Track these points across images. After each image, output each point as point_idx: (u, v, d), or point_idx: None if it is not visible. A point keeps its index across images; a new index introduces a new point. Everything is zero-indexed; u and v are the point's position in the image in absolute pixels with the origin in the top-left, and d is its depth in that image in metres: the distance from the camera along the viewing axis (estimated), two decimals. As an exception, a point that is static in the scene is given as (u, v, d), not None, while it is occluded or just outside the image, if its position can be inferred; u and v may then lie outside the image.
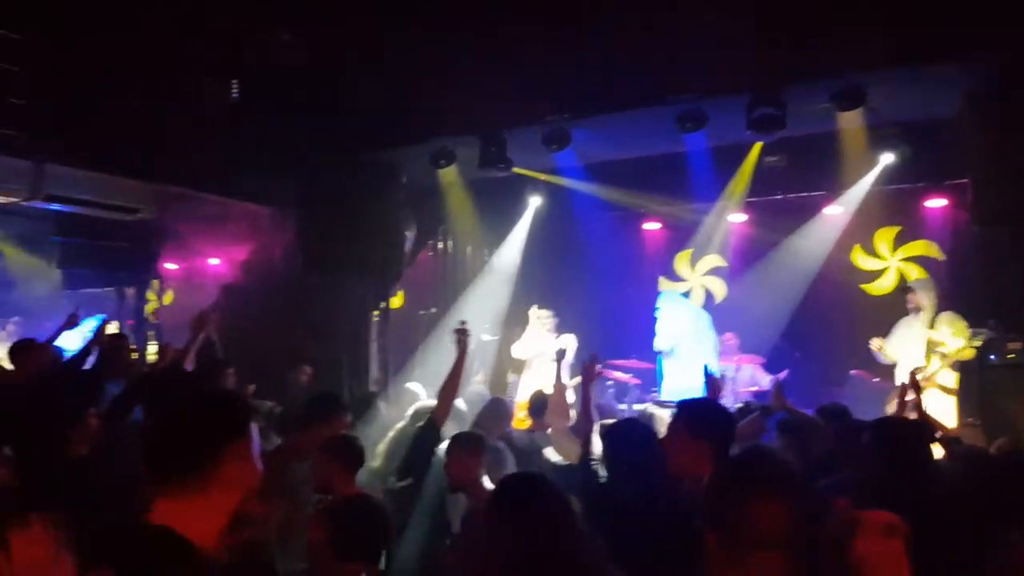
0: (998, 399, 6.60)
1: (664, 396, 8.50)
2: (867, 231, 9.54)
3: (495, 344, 9.89)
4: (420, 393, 6.51)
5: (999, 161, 6.39)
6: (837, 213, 9.07)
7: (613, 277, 9.79)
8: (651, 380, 9.34)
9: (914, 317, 7.92)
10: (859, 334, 8.30)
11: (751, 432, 4.61)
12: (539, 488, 2.46)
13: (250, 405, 2.05)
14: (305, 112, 8.24)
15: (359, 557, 2.84)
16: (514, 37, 7.29)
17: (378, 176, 8.78)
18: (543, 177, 9.44)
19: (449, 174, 8.77)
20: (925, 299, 7.91)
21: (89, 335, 6.73)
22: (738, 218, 9.88)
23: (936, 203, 9.06)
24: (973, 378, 7.07)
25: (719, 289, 10.76)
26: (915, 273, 9.33)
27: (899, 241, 9.64)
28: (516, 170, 8.40)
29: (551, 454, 5.51)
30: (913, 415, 4.99)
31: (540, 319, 8.87)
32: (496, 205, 9.77)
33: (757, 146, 8.27)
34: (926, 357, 7.55)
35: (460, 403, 5.53)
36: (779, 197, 9.13)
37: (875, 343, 7.92)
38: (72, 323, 6.40)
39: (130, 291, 12.05)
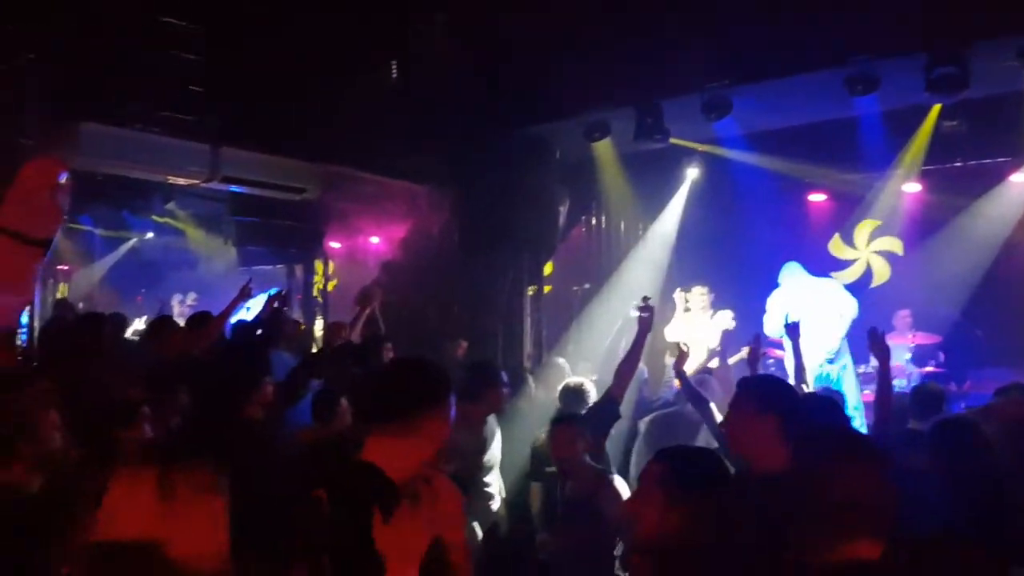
0: None
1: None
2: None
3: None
4: (566, 369, 6.49)
5: None
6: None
7: (774, 251, 9.38)
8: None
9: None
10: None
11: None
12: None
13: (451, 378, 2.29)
14: (461, 90, 8.34)
15: None
16: (671, 3, 7.07)
17: (532, 151, 8.78)
18: (701, 148, 9.15)
19: (603, 147, 8.66)
20: None
21: (261, 307, 7.13)
22: (912, 188, 9.25)
23: None
24: None
25: (884, 267, 10.15)
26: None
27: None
28: (673, 141, 8.18)
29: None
30: None
31: (695, 297, 8.62)
32: (651, 178, 9.56)
33: (935, 109, 7.67)
34: None
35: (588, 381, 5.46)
36: (958, 164, 8.48)
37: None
38: (245, 295, 6.73)
39: (299, 268, 12.66)
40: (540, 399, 5.91)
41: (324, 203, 10.21)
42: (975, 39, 6.16)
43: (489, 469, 4.94)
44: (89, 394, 4.45)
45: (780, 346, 8.92)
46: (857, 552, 1.83)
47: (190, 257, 13.57)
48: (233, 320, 7.20)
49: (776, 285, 8.75)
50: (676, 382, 7.09)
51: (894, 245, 10.31)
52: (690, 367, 6.88)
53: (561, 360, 6.69)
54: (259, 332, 6.71)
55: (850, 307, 8.32)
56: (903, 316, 8.84)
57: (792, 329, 4.99)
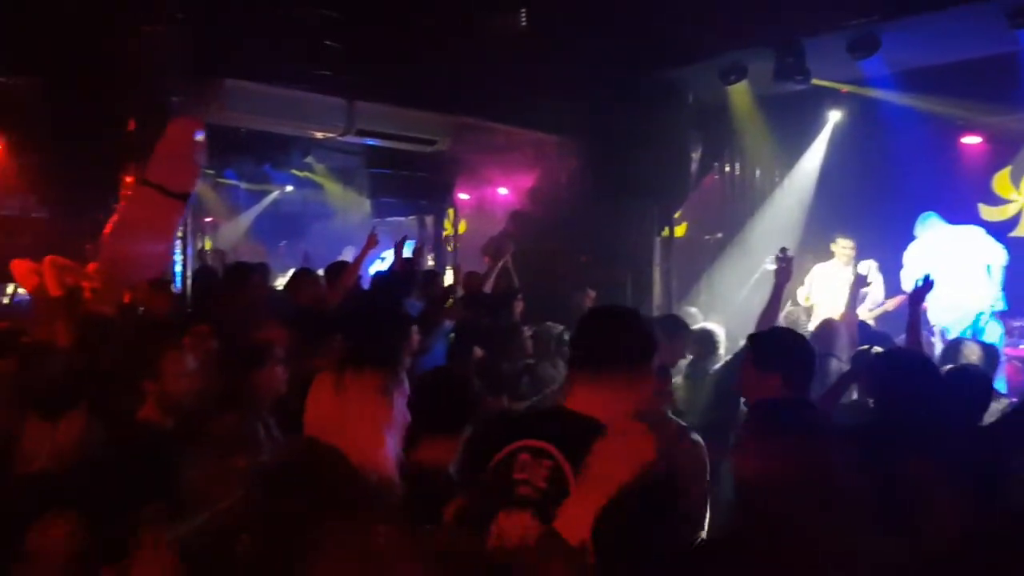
0: None
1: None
2: None
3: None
4: (698, 319, 6.37)
5: None
6: None
7: (923, 199, 8.83)
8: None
9: None
10: None
11: None
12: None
13: None
14: (590, 35, 8.17)
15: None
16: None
17: (664, 96, 8.56)
18: (845, 89, 8.66)
19: (739, 90, 8.33)
20: None
21: (398, 257, 7.32)
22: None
23: None
24: None
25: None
26: None
27: None
28: (815, 82, 7.77)
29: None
30: None
31: (840, 248, 8.22)
32: (789, 123, 9.15)
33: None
34: None
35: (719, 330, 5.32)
36: None
37: None
38: (373, 244, 6.89)
39: (429, 219, 12.89)
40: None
41: (454, 154, 10.31)
42: None
43: None
44: (235, 339, 4.71)
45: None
46: None
47: (327, 209, 14.02)
48: (369, 270, 7.44)
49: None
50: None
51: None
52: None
53: (693, 310, 6.57)
54: (395, 282, 6.91)
55: (998, 255, 7.81)
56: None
57: (920, 289, 4.65)
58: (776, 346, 3.13)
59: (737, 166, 10.41)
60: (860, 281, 6.26)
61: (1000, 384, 5.95)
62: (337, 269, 6.68)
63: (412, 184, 11.67)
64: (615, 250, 9.07)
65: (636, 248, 9.13)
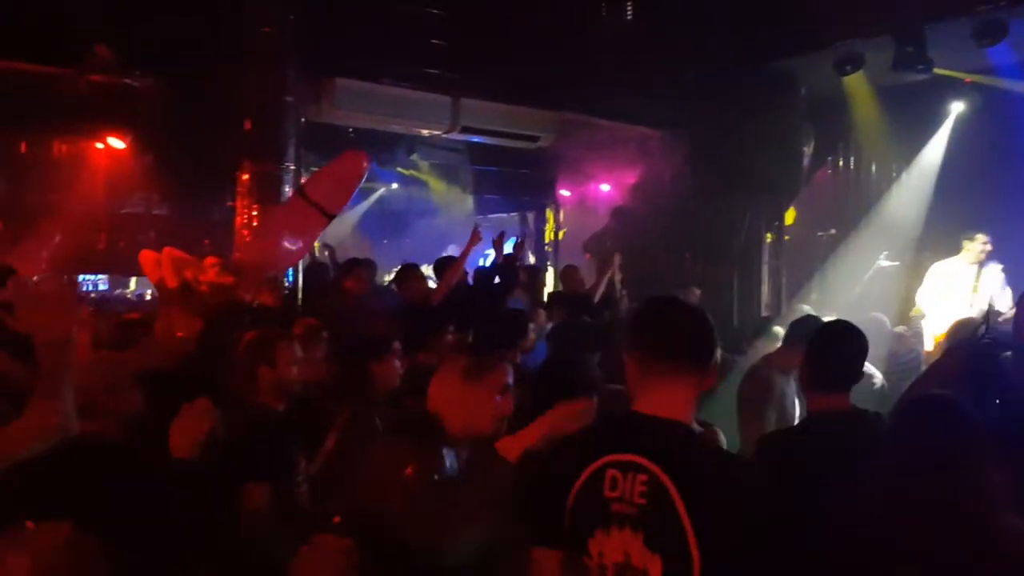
0: None
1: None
2: None
3: (895, 270, 8.95)
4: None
5: None
6: None
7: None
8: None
9: None
10: None
11: None
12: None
13: None
14: (698, 28, 8.01)
15: None
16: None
17: (775, 88, 8.31)
18: (969, 78, 8.23)
19: (855, 81, 8.01)
20: None
21: (498, 253, 7.35)
22: None
23: None
24: None
25: None
26: None
27: None
28: (936, 71, 7.41)
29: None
30: None
31: (976, 245, 7.77)
32: (908, 114, 8.75)
33: None
34: None
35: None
36: None
37: None
38: (476, 240, 6.93)
39: (531, 216, 12.92)
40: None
41: (557, 151, 10.29)
42: None
43: None
44: (346, 330, 4.81)
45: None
46: None
47: (430, 206, 14.21)
48: (472, 267, 7.48)
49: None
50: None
51: None
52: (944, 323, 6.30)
53: (807, 308, 6.34)
54: (497, 279, 6.94)
55: None
56: None
57: None
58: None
59: (852, 160, 10.03)
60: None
61: None
62: (444, 265, 6.74)
63: (514, 181, 11.73)
64: (721, 247, 8.89)
65: (744, 245, 8.91)
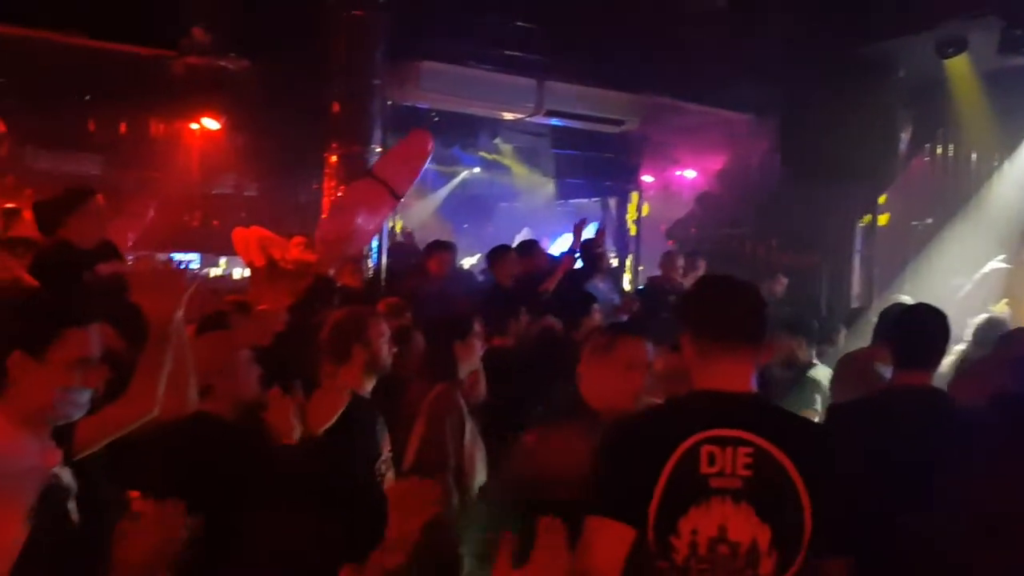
0: None
1: None
2: None
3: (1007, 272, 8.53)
4: (909, 306, 5.92)
5: None
6: None
7: None
8: None
9: None
10: None
11: None
12: None
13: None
14: (791, 9, 7.78)
15: None
16: None
17: (871, 72, 8.00)
18: (1082, 62, 7.78)
19: (957, 65, 7.64)
20: None
21: (576, 239, 7.29)
22: None
23: None
24: None
25: None
26: None
27: None
28: (1048, 55, 7.04)
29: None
30: None
31: None
32: (1013, 101, 8.32)
33: None
34: None
35: None
36: None
37: None
38: (580, 230, 6.90)
39: (612, 201, 12.80)
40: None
41: (641, 135, 10.17)
42: None
43: None
44: (430, 311, 4.85)
45: None
46: None
47: (512, 191, 14.22)
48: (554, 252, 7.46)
49: None
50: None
51: None
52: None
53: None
54: (578, 264, 6.90)
55: None
56: None
57: None
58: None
59: (951, 148, 9.61)
60: None
61: None
62: (527, 247, 6.75)
63: (597, 165, 11.64)
64: (810, 235, 8.65)
65: (834, 233, 8.66)
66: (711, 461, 1.88)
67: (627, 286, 10.92)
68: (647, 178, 12.47)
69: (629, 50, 8.30)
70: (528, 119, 8.99)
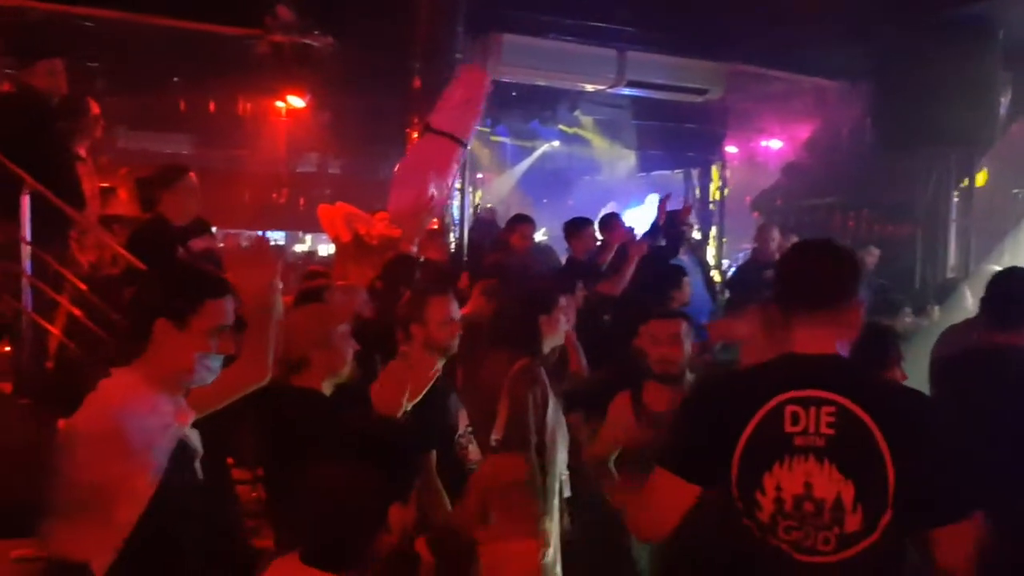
0: None
1: None
2: None
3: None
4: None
5: None
6: None
7: None
8: None
9: None
10: None
11: None
12: None
13: None
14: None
15: None
16: None
17: (968, 34, 7.63)
18: None
19: (1062, 24, 7.24)
20: None
21: (660, 215, 7.19)
22: None
23: None
24: None
25: None
26: None
27: None
28: None
29: None
30: None
31: None
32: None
33: None
34: None
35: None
36: None
37: None
38: (663, 206, 6.79)
39: (695, 172, 12.58)
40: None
41: (725, 104, 9.94)
42: None
43: None
44: (513, 284, 4.86)
45: None
46: None
47: (592, 164, 14.10)
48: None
49: None
50: None
51: None
52: None
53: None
54: (663, 238, 6.80)
55: None
56: None
57: None
58: None
59: (1058, 111, 9.13)
60: None
61: None
62: (608, 222, 6.67)
63: (679, 136, 11.44)
64: (904, 204, 8.36)
65: (929, 202, 8.35)
66: (795, 420, 1.93)
67: (711, 259, 10.75)
68: (731, 149, 12.21)
69: (712, 17, 8.09)
70: (609, 90, 8.86)
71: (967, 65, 7.64)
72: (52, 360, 4.77)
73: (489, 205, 12.32)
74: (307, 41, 7.33)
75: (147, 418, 2.03)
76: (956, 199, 8.48)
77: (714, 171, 12.54)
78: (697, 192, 12.45)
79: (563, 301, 3.82)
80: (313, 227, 10.65)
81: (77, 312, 4.69)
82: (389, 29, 7.34)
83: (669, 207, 6.89)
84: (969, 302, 5.46)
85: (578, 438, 3.70)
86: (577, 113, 10.99)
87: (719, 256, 11.64)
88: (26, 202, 4.44)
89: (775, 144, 11.45)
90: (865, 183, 8.75)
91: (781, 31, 7.99)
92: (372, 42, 7.63)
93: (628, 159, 12.83)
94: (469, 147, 6.62)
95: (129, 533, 1.96)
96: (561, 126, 11.82)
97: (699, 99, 9.44)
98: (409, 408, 2.94)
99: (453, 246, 7.73)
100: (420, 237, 5.98)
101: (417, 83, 7.27)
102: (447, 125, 5.90)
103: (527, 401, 3.35)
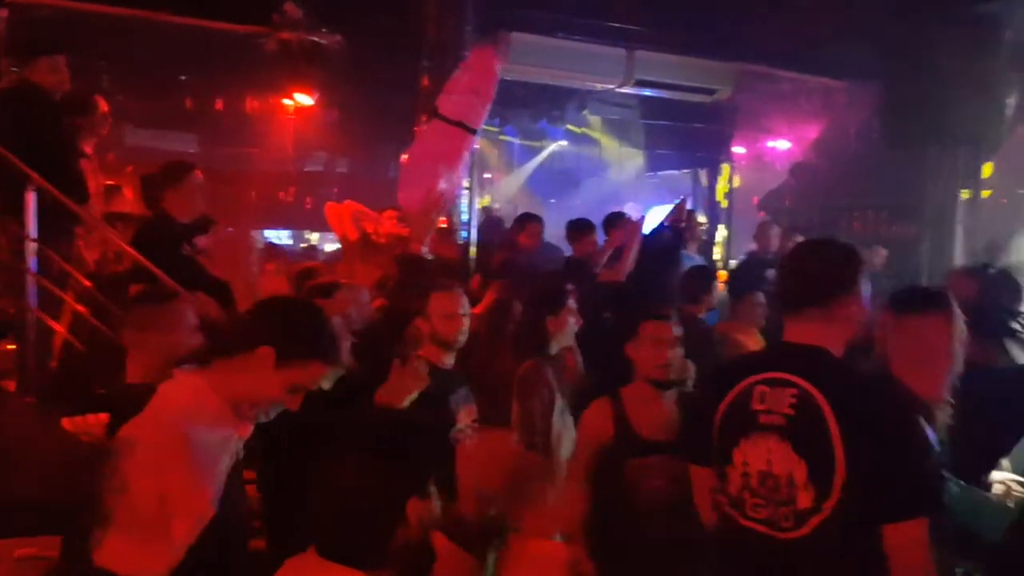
0: None
1: None
2: None
3: None
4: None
5: None
6: None
7: None
8: None
9: None
10: None
11: None
12: None
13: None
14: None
15: None
16: None
17: (975, 32, 7.62)
18: None
19: (1070, 25, 7.21)
20: None
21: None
22: None
23: None
24: None
25: None
26: None
27: None
28: None
29: None
30: None
31: None
32: None
33: None
34: None
35: None
36: None
37: None
38: (681, 208, 6.75)
39: (703, 172, 12.54)
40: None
41: (733, 104, 9.91)
42: None
43: None
44: (521, 284, 4.84)
45: None
46: None
47: (600, 164, 14.08)
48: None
49: None
50: None
51: None
52: None
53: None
54: (671, 235, 6.77)
55: None
56: None
57: None
58: None
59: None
60: None
61: None
62: (613, 221, 6.64)
63: (687, 136, 11.42)
64: (910, 205, 8.33)
65: (936, 203, 8.32)
66: (762, 399, 2.05)
67: (718, 259, 10.73)
68: (739, 149, 12.17)
69: (721, 17, 8.07)
70: (617, 90, 8.86)
71: (975, 65, 7.62)
72: (57, 358, 4.76)
73: (497, 205, 12.33)
74: (315, 39, 7.32)
75: (211, 428, 1.95)
76: (963, 200, 8.45)
77: (725, 170, 12.51)
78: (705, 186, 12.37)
79: (572, 302, 3.77)
80: (320, 226, 10.65)
81: (82, 310, 4.67)
82: (398, 27, 7.33)
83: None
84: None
85: None
86: (585, 113, 10.98)
87: (726, 256, 11.61)
88: (31, 199, 4.37)
89: (783, 144, 11.42)
90: (872, 183, 8.72)
91: (790, 31, 7.98)
92: (380, 40, 7.63)
93: (636, 159, 12.81)
94: (479, 135, 6.44)
95: (186, 552, 1.84)
96: (569, 126, 11.82)
97: (708, 99, 9.43)
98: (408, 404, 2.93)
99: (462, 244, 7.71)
100: (430, 235, 5.94)
101: (426, 81, 7.25)
102: (457, 113, 5.72)
103: (533, 404, 3.32)
